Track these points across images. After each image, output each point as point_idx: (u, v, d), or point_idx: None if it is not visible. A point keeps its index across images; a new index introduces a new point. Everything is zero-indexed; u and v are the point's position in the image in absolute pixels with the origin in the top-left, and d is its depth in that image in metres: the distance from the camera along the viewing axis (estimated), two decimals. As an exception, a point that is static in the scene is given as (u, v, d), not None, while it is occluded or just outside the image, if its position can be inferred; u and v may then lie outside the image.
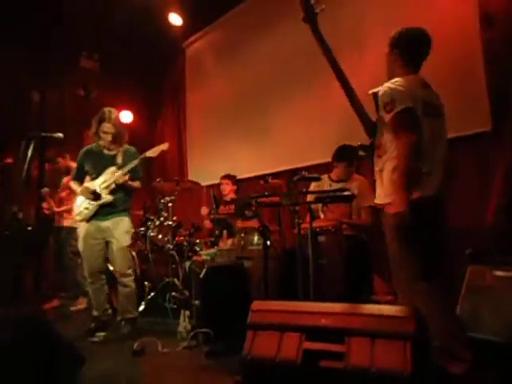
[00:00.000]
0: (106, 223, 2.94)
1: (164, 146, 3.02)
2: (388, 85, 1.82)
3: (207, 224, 4.31)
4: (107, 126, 2.94)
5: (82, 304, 4.02)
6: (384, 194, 1.86)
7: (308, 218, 2.38)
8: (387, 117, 1.79)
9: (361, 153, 2.71)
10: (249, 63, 5.03)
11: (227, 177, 4.34)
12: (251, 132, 4.90)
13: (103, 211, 2.94)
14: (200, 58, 5.82)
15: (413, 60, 1.93)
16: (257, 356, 1.51)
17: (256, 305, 1.67)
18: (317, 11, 1.85)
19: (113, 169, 2.98)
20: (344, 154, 3.03)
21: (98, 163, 3.03)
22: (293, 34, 4.49)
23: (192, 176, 5.60)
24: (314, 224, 2.48)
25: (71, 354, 2.03)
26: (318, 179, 2.42)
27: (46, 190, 4.03)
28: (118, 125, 3.02)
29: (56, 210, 3.97)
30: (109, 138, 2.97)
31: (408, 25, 1.99)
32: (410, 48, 1.92)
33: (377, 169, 1.93)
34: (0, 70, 4.61)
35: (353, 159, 3.05)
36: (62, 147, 4.20)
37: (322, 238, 2.73)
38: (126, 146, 3.13)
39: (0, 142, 4.48)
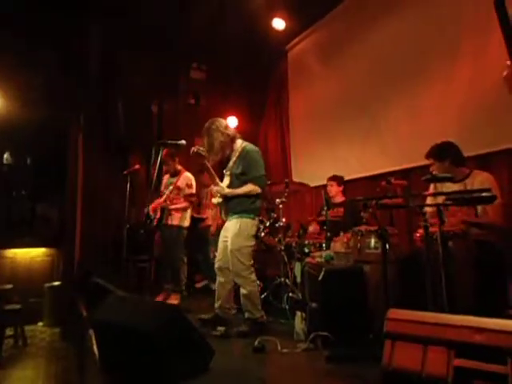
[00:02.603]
0: (227, 223, 3.11)
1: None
2: None
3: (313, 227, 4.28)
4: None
5: (174, 300, 3.99)
6: None
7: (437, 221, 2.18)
8: None
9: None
10: (351, 62, 4.89)
11: (333, 178, 4.27)
12: (356, 132, 4.73)
13: (227, 211, 3.10)
14: (302, 59, 5.83)
15: None
16: (399, 368, 1.43)
17: (393, 313, 1.58)
18: None
19: (227, 172, 3.17)
20: (444, 150, 2.73)
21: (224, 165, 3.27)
22: (396, 29, 4.25)
23: (295, 177, 5.63)
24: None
25: (204, 345, 2.18)
26: (450, 179, 2.21)
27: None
28: (210, 140, 3.05)
29: (170, 207, 4.06)
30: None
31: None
32: None
33: None
34: (127, 87, 5.21)
35: (456, 155, 2.73)
36: (177, 151, 4.37)
37: (449, 243, 2.49)
38: (243, 146, 3.14)
39: (128, 150, 5.06)
